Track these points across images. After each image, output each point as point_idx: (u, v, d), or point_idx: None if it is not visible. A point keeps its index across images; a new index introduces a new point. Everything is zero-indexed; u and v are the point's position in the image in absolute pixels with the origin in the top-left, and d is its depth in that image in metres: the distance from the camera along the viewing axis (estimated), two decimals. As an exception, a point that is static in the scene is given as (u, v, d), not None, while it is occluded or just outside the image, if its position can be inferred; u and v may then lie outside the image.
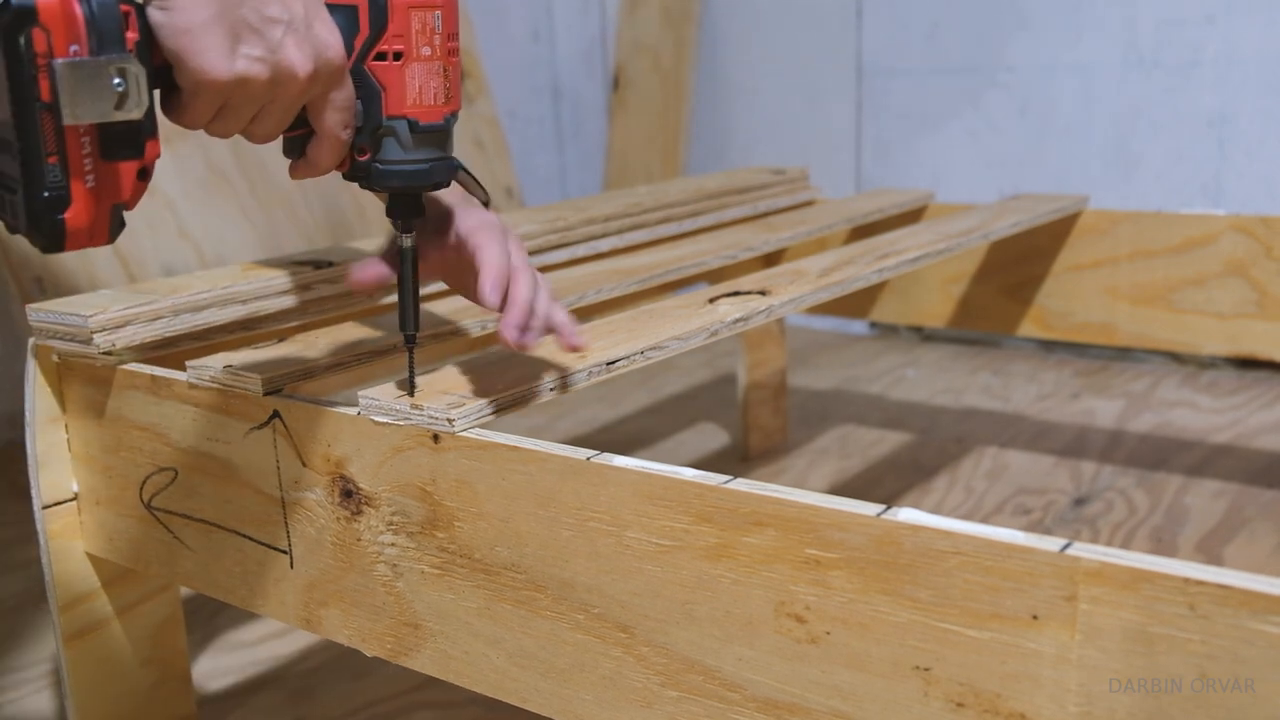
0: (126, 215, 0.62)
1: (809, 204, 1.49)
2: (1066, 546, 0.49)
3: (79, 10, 0.57)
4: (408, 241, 0.70)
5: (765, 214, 1.41)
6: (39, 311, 0.86)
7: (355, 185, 0.71)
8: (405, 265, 0.70)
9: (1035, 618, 0.50)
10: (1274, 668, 0.45)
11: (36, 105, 0.56)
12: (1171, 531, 1.35)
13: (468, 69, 2.33)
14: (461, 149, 2.18)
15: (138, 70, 0.59)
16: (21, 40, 0.55)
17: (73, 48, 0.57)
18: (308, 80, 0.64)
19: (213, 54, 0.59)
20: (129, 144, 0.60)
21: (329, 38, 0.65)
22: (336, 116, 0.66)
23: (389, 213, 0.71)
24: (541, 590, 0.65)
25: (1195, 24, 1.94)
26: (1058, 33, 2.07)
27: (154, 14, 0.59)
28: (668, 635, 0.61)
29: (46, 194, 0.58)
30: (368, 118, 0.68)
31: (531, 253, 1.12)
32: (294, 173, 0.70)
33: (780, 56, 2.41)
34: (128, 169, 0.60)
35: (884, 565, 0.53)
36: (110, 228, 0.61)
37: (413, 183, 0.70)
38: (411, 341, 0.71)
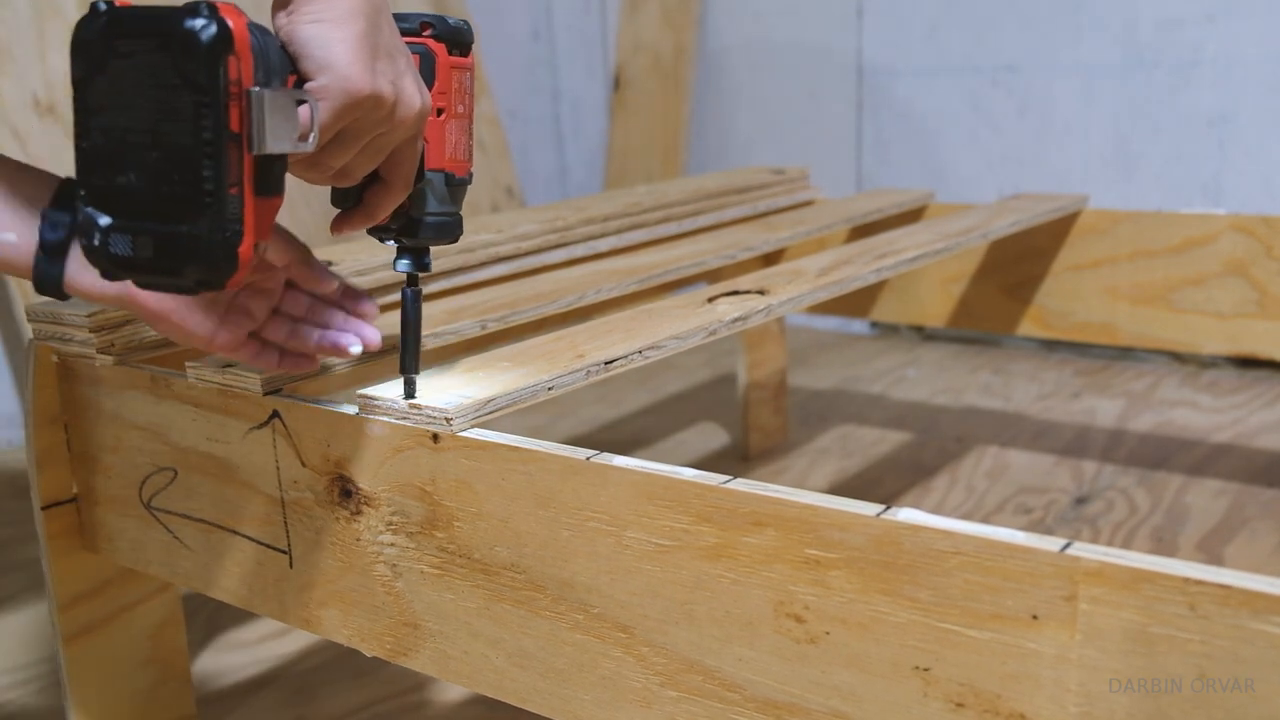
0: None
1: (809, 204, 1.49)
2: (1066, 546, 0.49)
3: (251, 40, 0.56)
4: (413, 291, 0.71)
5: (765, 214, 1.41)
6: (39, 311, 0.86)
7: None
8: (409, 310, 0.71)
9: (1035, 618, 0.50)
10: (1274, 668, 0.45)
11: (226, 135, 0.55)
12: (1172, 531, 1.35)
13: (468, 69, 2.33)
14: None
15: (314, 102, 0.58)
16: (221, 68, 0.54)
17: (259, 77, 0.56)
18: (417, 116, 0.64)
19: (360, 65, 0.59)
20: (279, 179, 0.59)
21: (422, 85, 0.65)
22: (410, 165, 0.67)
23: (398, 264, 0.71)
24: (541, 590, 0.65)
25: (1195, 24, 1.94)
26: (1058, 33, 2.07)
27: (305, 27, 0.59)
28: (667, 635, 0.61)
29: (229, 227, 0.56)
30: None
31: (531, 253, 1.12)
32: (345, 224, 0.69)
33: (780, 56, 2.41)
34: (274, 205, 0.59)
35: (884, 565, 0.53)
36: (253, 265, 0.59)
37: (444, 236, 0.71)
38: (412, 385, 0.71)
